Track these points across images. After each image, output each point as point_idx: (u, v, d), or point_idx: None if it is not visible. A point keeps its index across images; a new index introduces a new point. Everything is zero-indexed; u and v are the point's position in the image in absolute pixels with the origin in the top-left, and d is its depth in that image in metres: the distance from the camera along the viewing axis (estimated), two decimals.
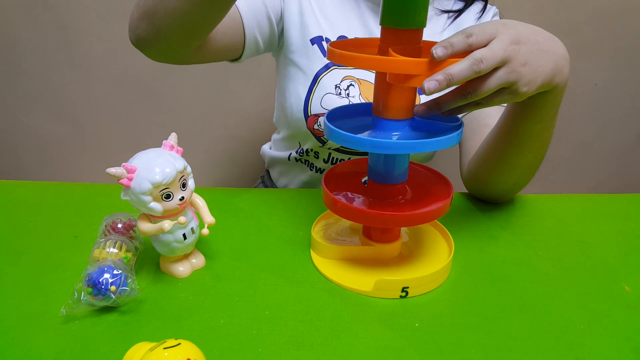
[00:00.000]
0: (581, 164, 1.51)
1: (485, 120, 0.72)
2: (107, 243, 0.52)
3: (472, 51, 0.44)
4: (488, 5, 0.83)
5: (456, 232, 0.62)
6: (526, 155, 0.62)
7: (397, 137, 0.50)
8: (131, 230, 0.56)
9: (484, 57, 0.43)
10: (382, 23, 0.48)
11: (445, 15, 0.81)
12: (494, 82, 0.45)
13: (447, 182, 0.57)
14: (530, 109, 0.55)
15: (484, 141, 0.67)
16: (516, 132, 0.59)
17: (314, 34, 0.77)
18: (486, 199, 0.73)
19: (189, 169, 0.50)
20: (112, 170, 0.45)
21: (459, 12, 0.81)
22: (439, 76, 0.42)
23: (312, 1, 0.78)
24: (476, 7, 0.82)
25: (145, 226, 0.49)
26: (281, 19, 0.77)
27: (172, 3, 0.53)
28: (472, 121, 0.73)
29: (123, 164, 0.46)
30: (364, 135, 0.50)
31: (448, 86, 0.43)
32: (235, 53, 0.74)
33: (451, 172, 0.67)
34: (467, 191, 0.76)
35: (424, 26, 0.47)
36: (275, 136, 0.96)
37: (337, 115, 0.56)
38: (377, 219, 0.51)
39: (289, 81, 0.80)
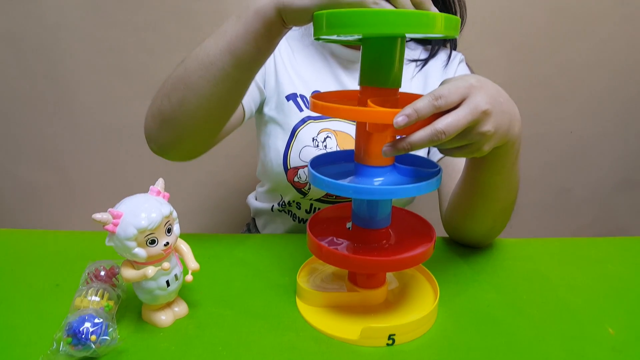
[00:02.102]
0: (562, 209, 1.54)
1: (459, 166, 0.75)
2: (89, 291, 0.51)
3: (440, 113, 0.45)
4: (453, 53, 0.87)
5: (441, 276, 0.63)
6: (494, 204, 0.63)
7: (379, 182, 0.51)
8: (114, 278, 0.56)
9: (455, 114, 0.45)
10: (360, 84, 0.51)
11: (414, 63, 0.85)
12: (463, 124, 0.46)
13: (430, 226, 0.58)
14: (486, 162, 0.57)
15: (453, 191, 0.69)
16: (478, 183, 0.61)
17: (289, 91, 0.80)
18: (466, 244, 0.74)
19: (174, 214, 0.50)
20: (98, 216, 0.45)
21: (425, 61, 0.85)
22: (408, 110, 0.44)
23: (285, 60, 0.82)
24: (442, 55, 0.86)
25: (128, 273, 0.48)
26: (265, 83, 0.82)
27: (193, 106, 0.57)
28: (447, 166, 0.76)
29: (109, 209, 0.46)
30: (347, 182, 0.51)
31: (417, 121, 0.44)
32: (236, 127, 0.78)
33: (433, 216, 0.68)
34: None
35: (400, 86, 0.51)
36: (258, 188, 0.97)
37: (321, 162, 0.57)
38: (362, 264, 0.51)
39: (268, 137, 0.83)
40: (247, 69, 0.57)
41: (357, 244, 0.56)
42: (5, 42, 1.27)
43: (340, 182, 0.48)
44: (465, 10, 0.83)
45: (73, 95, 1.34)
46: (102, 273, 0.55)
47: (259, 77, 0.79)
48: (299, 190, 0.81)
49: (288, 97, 0.80)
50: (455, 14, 0.82)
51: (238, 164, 1.43)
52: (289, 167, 0.79)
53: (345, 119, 0.78)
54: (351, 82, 0.82)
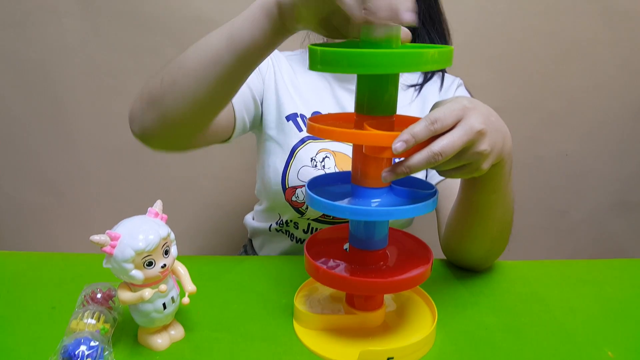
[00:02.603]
0: (558, 231, 1.54)
1: (457, 189, 0.75)
2: (85, 314, 0.51)
3: (437, 136, 0.46)
4: (452, 77, 0.89)
5: (438, 298, 0.62)
6: (491, 225, 0.64)
7: (375, 204, 0.52)
8: (110, 301, 0.55)
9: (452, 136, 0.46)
10: (357, 111, 0.51)
11: (412, 88, 0.87)
12: (459, 145, 0.46)
13: (427, 248, 0.58)
14: (481, 181, 0.57)
15: (450, 213, 0.70)
16: (475, 203, 0.62)
17: (289, 111, 0.81)
18: (465, 267, 0.73)
19: (172, 235, 0.50)
20: (96, 237, 0.45)
21: (421, 85, 0.87)
22: (405, 136, 0.45)
23: (287, 80, 0.83)
24: (439, 79, 0.88)
25: (125, 295, 0.48)
26: (263, 99, 0.82)
27: (182, 88, 0.56)
28: (445, 189, 0.76)
29: (107, 231, 0.46)
30: (344, 203, 0.51)
31: (414, 144, 0.45)
32: (226, 135, 0.77)
33: (430, 238, 0.68)
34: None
35: (395, 112, 0.51)
36: (257, 207, 0.97)
37: (318, 184, 0.57)
38: (360, 286, 0.51)
39: (267, 155, 0.83)
40: (243, 60, 0.55)
41: (355, 266, 0.56)
42: (5, 64, 1.29)
43: (337, 203, 0.48)
44: (449, 34, 0.85)
45: (72, 117, 1.35)
46: (99, 295, 0.55)
47: (256, 91, 0.79)
48: (297, 210, 0.81)
49: (288, 117, 0.81)
50: (441, 40, 0.85)
51: (236, 186, 1.43)
52: (287, 187, 0.80)
53: (342, 142, 0.79)
54: (351, 104, 0.83)
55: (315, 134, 0.50)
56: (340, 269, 0.55)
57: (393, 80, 0.50)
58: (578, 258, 1.52)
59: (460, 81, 0.89)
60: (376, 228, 0.54)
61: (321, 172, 0.77)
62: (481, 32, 1.26)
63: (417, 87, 0.87)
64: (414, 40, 0.84)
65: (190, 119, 0.60)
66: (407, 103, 0.85)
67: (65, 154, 1.40)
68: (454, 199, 0.70)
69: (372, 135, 0.46)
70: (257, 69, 0.80)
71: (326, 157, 0.79)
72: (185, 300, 0.50)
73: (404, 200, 0.52)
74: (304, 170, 0.79)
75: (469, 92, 0.89)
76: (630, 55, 1.33)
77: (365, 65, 0.44)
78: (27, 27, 1.25)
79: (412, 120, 0.49)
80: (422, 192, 0.54)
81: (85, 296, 0.55)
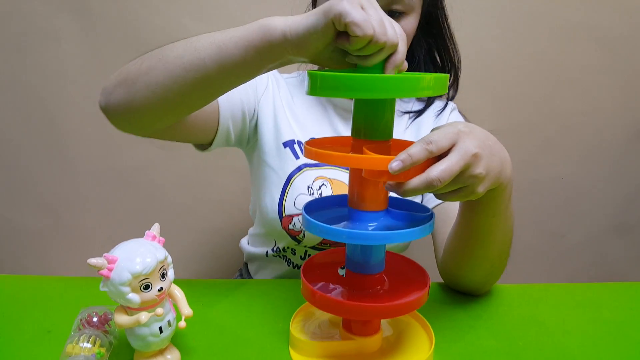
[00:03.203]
0: (556, 254, 1.54)
1: (454, 213, 0.75)
2: (81, 337, 0.50)
3: (434, 158, 0.47)
4: (444, 102, 0.90)
5: (435, 322, 0.62)
6: (491, 248, 0.64)
7: (372, 227, 0.52)
8: (106, 324, 0.55)
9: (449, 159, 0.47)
10: (353, 135, 0.52)
11: (407, 115, 0.88)
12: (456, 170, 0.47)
13: (424, 272, 0.58)
14: (480, 205, 0.58)
15: (449, 236, 0.70)
16: (475, 226, 0.62)
17: (287, 137, 0.81)
18: (463, 291, 0.73)
19: (169, 259, 0.50)
20: (93, 260, 0.45)
21: (419, 113, 0.88)
22: (402, 156, 0.45)
23: (285, 105, 0.83)
24: (435, 105, 0.89)
25: (121, 319, 0.48)
26: (254, 117, 0.82)
27: (157, 79, 0.55)
28: (442, 213, 0.76)
29: (104, 254, 0.47)
30: (341, 227, 0.52)
31: (411, 166, 0.45)
32: (205, 138, 0.75)
33: (427, 261, 0.68)
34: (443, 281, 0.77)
35: (391, 137, 0.52)
36: (251, 230, 0.97)
37: (314, 207, 0.58)
38: (356, 310, 0.51)
39: (262, 181, 0.83)
40: (226, 76, 0.55)
41: (352, 290, 0.56)
42: (3, 87, 1.30)
43: (334, 227, 0.49)
44: (460, 63, 0.86)
45: (70, 141, 1.36)
46: (95, 319, 0.54)
47: (247, 107, 0.78)
48: (294, 238, 0.80)
49: (285, 144, 0.81)
50: (451, 69, 0.86)
51: (232, 210, 1.43)
52: (284, 215, 0.79)
53: (341, 166, 0.79)
54: (347, 130, 0.84)
55: (313, 158, 0.50)
56: (337, 293, 0.55)
57: (390, 106, 0.51)
58: (576, 281, 1.51)
59: (454, 105, 0.90)
60: (373, 252, 0.55)
61: None
62: (477, 56, 1.28)
63: (412, 114, 0.88)
64: (417, 66, 0.85)
65: (155, 110, 0.58)
66: (402, 130, 0.86)
67: (62, 177, 1.40)
68: (451, 222, 0.71)
69: (371, 159, 0.47)
70: (254, 86, 0.80)
71: (323, 184, 0.79)
72: (182, 324, 0.50)
73: (401, 223, 0.53)
74: (301, 199, 0.78)
75: (464, 117, 0.90)
76: (624, 80, 1.36)
77: (362, 89, 0.45)
78: (26, 51, 1.27)
79: (409, 144, 0.50)
80: (419, 215, 0.55)
81: (81, 320, 0.55)
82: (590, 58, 1.33)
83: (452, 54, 0.86)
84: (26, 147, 1.37)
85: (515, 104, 1.35)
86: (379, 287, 0.56)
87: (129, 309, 0.49)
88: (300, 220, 0.78)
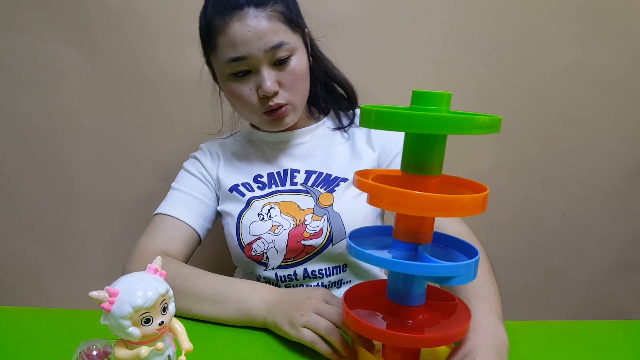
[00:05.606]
0: (559, 291, 1.52)
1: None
2: None
3: None
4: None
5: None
6: None
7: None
8: (106, 358, 0.55)
9: None
10: (403, 169, 0.54)
11: (339, 131, 0.94)
12: None
13: (464, 304, 0.60)
14: None
15: None
16: None
17: (230, 184, 0.91)
18: None
19: (171, 292, 0.50)
20: (95, 293, 0.46)
21: (345, 127, 0.94)
22: None
23: (221, 165, 0.94)
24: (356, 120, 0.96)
25: (121, 353, 0.48)
26: (214, 188, 0.94)
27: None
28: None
29: (106, 287, 0.47)
30: (384, 255, 0.53)
31: None
32: (199, 242, 0.93)
33: None
34: None
35: (440, 174, 0.54)
36: (235, 274, 1.02)
37: (358, 235, 0.59)
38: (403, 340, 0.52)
39: (225, 227, 0.91)
40: (213, 318, 0.71)
41: (393, 319, 0.57)
42: (7, 122, 1.32)
43: (380, 255, 0.51)
44: (354, 93, 0.95)
45: (73, 174, 1.37)
46: (95, 352, 0.54)
47: (210, 199, 0.93)
48: (260, 262, 0.85)
49: (231, 189, 0.90)
50: (347, 88, 0.94)
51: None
52: (243, 245, 0.85)
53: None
54: (286, 161, 0.93)
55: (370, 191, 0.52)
56: (380, 320, 0.56)
57: (440, 142, 0.52)
58: (579, 319, 1.49)
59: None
60: (414, 283, 0.55)
61: (269, 223, 0.83)
62: (478, 93, 1.31)
63: (342, 129, 0.93)
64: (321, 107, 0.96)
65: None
66: (339, 142, 0.92)
67: (65, 211, 1.41)
68: None
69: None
70: (204, 181, 0.94)
71: (271, 208, 0.85)
72: (182, 358, 0.50)
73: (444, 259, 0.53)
74: (254, 225, 0.84)
75: None
76: (626, 118, 1.37)
77: (415, 125, 0.48)
78: (32, 87, 1.29)
79: (457, 180, 0.54)
80: (462, 254, 0.56)
81: (80, 353, 0.54)
82: (592, 97, 1.35)
83: (339, 76, 0.94)
84: (29, 180, 1.38)
85: (517, 141, 1.37)
86: (421, 316, 0.57)
87: (129, 343, 0.49)
88: (259, 245, 0.83)
